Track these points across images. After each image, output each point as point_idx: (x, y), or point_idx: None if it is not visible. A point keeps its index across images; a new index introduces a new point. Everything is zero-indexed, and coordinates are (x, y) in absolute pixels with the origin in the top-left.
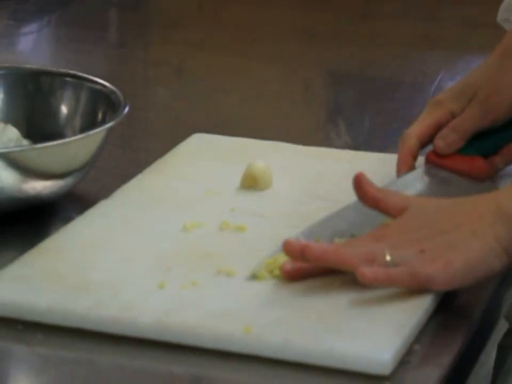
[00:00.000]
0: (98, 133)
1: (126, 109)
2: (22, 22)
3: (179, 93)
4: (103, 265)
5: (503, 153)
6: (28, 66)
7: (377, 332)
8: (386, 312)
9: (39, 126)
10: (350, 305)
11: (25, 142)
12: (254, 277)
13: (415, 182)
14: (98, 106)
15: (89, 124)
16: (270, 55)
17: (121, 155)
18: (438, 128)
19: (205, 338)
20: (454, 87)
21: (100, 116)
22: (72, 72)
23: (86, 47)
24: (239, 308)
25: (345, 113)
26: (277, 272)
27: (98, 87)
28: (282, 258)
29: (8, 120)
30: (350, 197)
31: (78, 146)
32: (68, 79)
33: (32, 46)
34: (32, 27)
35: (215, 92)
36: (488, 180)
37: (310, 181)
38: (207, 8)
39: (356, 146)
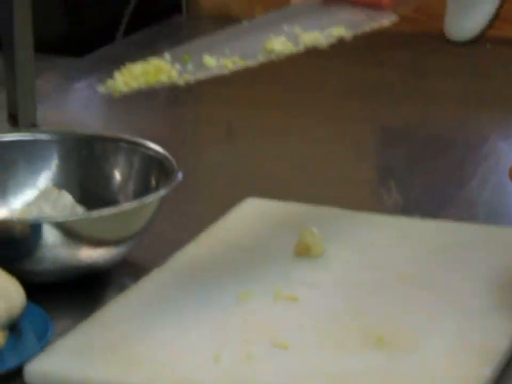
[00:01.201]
0: (152, 200)
1: (180, 176)
2: (74, 80)
3: (230, 154)
4: (157, 337)
5: None
6: (82, 131)
7: None
8: None
9: (92, 191)
10: None
11: (79, 208)
12: None
13: (310, 11)
14: (151, 172)
15: (143, 189)
16: (322, 113)
17: (175, 220)
18: None
19: None
20: None
21: (153, 181)
22: (125, 137)
23: (137, 105)
24: None
25: (397, 173)
26: None
27: (151, 152)
28: None
29: (62, 185)
30: (402, 266)
31: (133, 214)
32: (121, 144)
33: (84, 104)
34: (84, 84)
35: (266, 152)
36: (388, 9)
37: (362, 249)
38: None
39: (407, 209)
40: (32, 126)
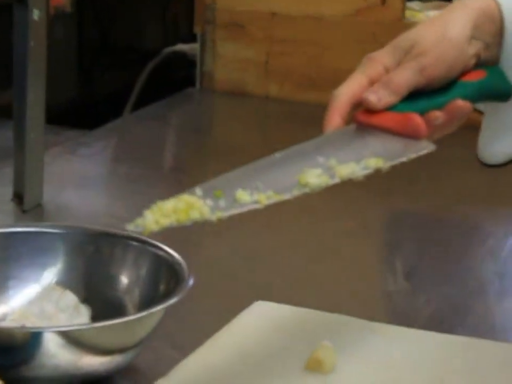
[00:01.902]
0: (160, 309)
1: (190, 283)
2: (83, 158)
3: (239, 247)
4: None
5: (446, 109)
6: (89, 226)
7: None
8: None
9: (98, 290)
10: None
11: (83, 308)
12: None
13: (344, 141)
14: (161, 275)
15: (150, 292)
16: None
17: (181, 324)
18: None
19: None
20: (390, 43)
21: (162, 284)
22: (135, 235)
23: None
24: None
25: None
26: None
27: (162, 253)
28: None
29: (67, 281)
30: None
31: (139, 324)
32: (131, 242)
33: (92, 183)
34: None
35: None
36: (425, 139)
37: (375, 365)
38: (271, 136)
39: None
40: (38, 206)
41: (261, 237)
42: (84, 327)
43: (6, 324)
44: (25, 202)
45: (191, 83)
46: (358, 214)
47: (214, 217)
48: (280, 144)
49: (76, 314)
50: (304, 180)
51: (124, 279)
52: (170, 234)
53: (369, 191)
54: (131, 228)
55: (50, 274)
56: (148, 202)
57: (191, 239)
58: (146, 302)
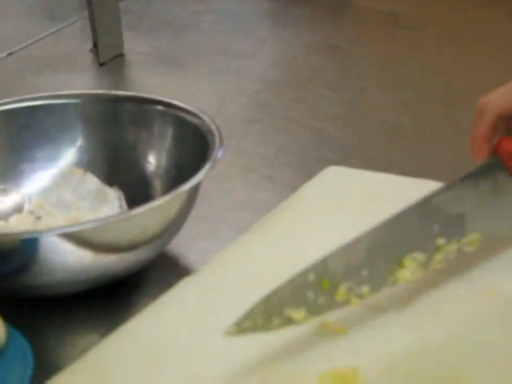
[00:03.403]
0: (187, 189)
1: (220, 154)
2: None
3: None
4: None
5: None
6: (109, 92)
7: None
8: None
9: (122, 170)
10: None
11: (110, 191)
12: None
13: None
14: (190, 144)
15: (178, 167)
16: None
17: (222, 203)
18: None
19: None
20: None
21: (191, 155)
22: (161, 99)
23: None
24: None
25: None
26: None
27: (193, 120)
28: None
29: (88, 162)
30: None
31: (164, 209)
32: (157, 107)
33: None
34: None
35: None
36: None
37: None
38: None
39: None
40: (119, 56)
41: None
42: (98, 223)
43: (23, 216)
44: (100, 53)
45: None
46: None
47: None
48: None
49: (100, 201)
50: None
51: (151, 153)
52: None
53: None
54: None
55: (68, 154)
56: None
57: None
58: (175, 178)
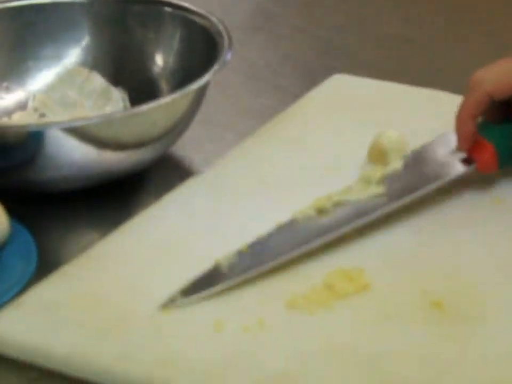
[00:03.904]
0: (194, 90)
1: (228, 58)
2: None
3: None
4: (156, 284)
5: None
6: None
7: None
8: None
9: (129, 70)
10: None
11: (114, 91)
12: None
13: None
14: (198, 46)
15: (185, 69)
16: None
17: (227, 109)
18: None
19: None
20: None
21: (199, 58)
22: (171, 0)
23: None
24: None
25: None
26: None
27: (201, 22)
28: None
29: (93, 61)
30: None
31: (170, 108)
32: (165, 9)
33: None
34: None
35: None
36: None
37: None
38: None
39: None
40: None
41: None
42: (100, 119)
43: (26, 113)
44: None
45: None
46: None
47: None
48: None
49: (105, 100)
50: None
51: (158, 54)
52: None
53: None
54: None
55: (73, 54)
56: None
57: None
58: (181, 81)
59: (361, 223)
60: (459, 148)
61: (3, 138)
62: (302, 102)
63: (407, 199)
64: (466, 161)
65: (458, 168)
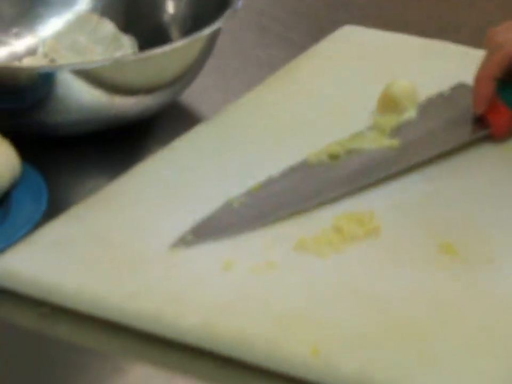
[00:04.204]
0: (205, 35)
1: (240, 4)
2: None
3: None
4: (166, 224)
5: None
6: None
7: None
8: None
9: (140, 17)
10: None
11: (124, 39)
12: None
13: None
14: None
15: (196, 17)
16: None
17: (237, 58)
18: None
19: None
20: None
21: (210, 5)
22: None
23: None
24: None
25: None
26: None
27: None
28: None
29: (104, 8)
30: None
31: (181, 53)
32: None
33: None
34: None
35: None
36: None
37: None
38: None
39: None
40: None
41: None
42: (110, 62)
43: (36, 59)
44: None
45: None
46: None
47: None
48: None
49: (115, 47)
50: None
51: (169, 1)
52: None
53: None
54: None
55: (83, 0)
56: None
57: None
58: (191, 29)
59: (375, 178)
60: (474, 109)
61: (15, 80)
62: (311, 52)
63: (421, 157)
64: (480, 120)
65: (471, 131)
